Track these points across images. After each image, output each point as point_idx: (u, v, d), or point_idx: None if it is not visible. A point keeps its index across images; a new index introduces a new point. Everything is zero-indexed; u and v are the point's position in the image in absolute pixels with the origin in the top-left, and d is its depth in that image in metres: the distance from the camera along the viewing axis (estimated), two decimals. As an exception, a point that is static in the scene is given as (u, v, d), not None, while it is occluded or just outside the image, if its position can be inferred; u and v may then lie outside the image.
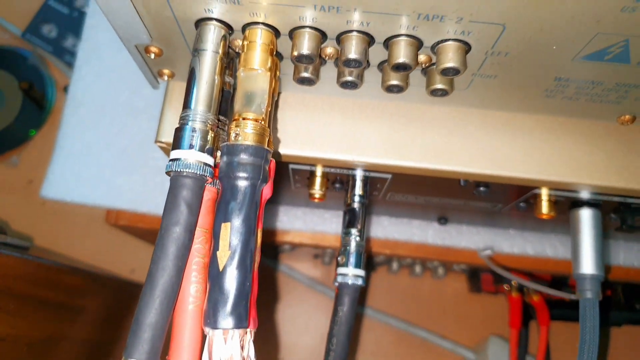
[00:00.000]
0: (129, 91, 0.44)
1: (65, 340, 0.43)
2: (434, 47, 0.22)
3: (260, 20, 0.21)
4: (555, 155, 0.27)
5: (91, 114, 0.44)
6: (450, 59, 0.21)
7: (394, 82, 0.23)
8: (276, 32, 0.22)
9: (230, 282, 0.19)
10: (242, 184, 0.20)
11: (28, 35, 0.65)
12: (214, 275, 0.19)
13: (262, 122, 0.21)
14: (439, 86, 0.23)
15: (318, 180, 0.32)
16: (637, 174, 0.27)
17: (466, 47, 0.22)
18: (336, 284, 0.31)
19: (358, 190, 0.32)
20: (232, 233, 0.19)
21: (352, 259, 0.31)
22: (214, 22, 0.22)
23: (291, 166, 0.30)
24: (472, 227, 0.43)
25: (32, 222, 0.59)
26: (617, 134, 0.27)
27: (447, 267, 0.55)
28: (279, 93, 0.27)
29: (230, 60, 0.23)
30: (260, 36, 0.22)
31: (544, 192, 0.31)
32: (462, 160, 0.27)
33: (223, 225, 0.19)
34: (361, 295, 0.59)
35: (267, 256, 0.57)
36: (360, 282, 0.31)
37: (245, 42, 0.22)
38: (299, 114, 0.27)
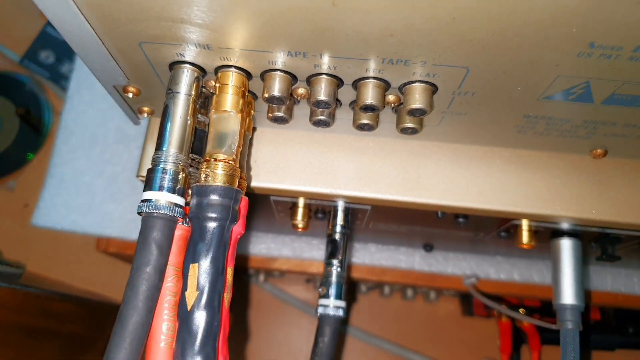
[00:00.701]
0: (119, 119, 0.45)
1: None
2: (401, 88, 0.22)
3: (231, 63, 0.22)
4: (529, 187, 0.28)
5: (82, 141, 0.44)
6: (416, 100, 0.22)
7: (365, 121, 0.24)
8: (248, 75, 0.22)
9: (198, 322, 0.19)
10: (211, 225, 0.20)
11: (26, 62, 0.66)
12: (182, 315, 0.20)
13: (233, 163, 0.21)
14: (409, 125, 0.24)
15: (300, 211, 0.32)
16: (610, 206, 0.27)
17: (433, 88, 0.22)
18: (317, 314, 0.31)
19: (339, 220, 0.33)
20: (200, 274, 0.20)
21: (333, 290, 0.31)
22: (187, 65, 0.22)
23: (272, 198, 0.31)
24: (459, 254, 0.43)
25: (26, 247, 0.60)
26: (590, 167, 0.28)
27: (438, 292, 0.55)
28: (255, 128, 0.28)
29: (205, 99, 0.24)
30: (231, 79, 0.22)
31: (524, 223, 0.31)
32: (437, 193, 0.27)
33: (191, 266, 0.20)
34: (353, 317, 0.59)
35: (258, 278, 0.57)
36: (341, 312, 0.31)
37: (217, 85, 0.22)
38: (276, 148, 0.27)
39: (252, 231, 0.43)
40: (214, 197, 0.21)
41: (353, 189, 0.27)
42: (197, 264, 0.20)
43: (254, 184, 0.27)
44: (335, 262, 0.32)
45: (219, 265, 0.20)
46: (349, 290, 0.59)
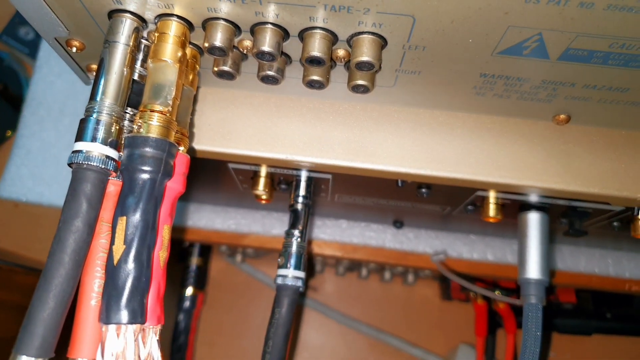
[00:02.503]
0: (89, 91, 0.44)
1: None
2: (349, 41, 0.21)
3: (171, 12, 0.21)
4: (491, 155, 0.27)
5: (51, 113, 0.43)
6: (364, 52, 0.21)
7: (314, 77, 0.23)
8: (189, 25, 0.22)
9: (124, 277, 0.18)
10: (142, 177, 0.19)
11: (5, 37, 0.65)
12: (109, 270, 0.19)
13: (168, 115, 0.20)
14: (359, 82, 0.23)
15: (262, 181, 0.31)
16: (574, 175, 0.27)
17: (381, 41, 0.21)
18: (275, 285, 0.30)
19: (301, 191, 0.32)
20: (127, 227, 0.19)
21: (293, 261, 0.30)
22: (127, 14, 0.21)
23: (231, 166, 0.30)
24: (431, 232, 0.42)
25: (2, 224, 0.59)
26: (553, 134, 0.27)
27: (416, 274, 0.54)
28: (199, 87, 0.27)
29: (147, 53, 0.23)
30: (171, 28, 0.21)
31: (491, 195, 0.31)
32: (394, 159, 0.26)
33: (120, 219, 0.19)
34: (332, 300, 0.59)
35: (235, 259, 0.57)
36: (299, 283, 0.30)
37: (157, 34, 0.21)
38: (225, 109, 0.26)
39: (220, 206, 0.42)
40: (145, 149, 0.20)
41: (303, 154, 0.26)
42: (125, 217, 0.19)
43: (203, 147, 0.26)
44: (296, 232, 0.31)
45: (149, 219, 0.19)
46: (325, 271, 0.58)
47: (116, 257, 0.19)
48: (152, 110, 0.20)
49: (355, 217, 0.41)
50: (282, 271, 0.30)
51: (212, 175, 0.34)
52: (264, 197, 0.32)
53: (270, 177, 0.31)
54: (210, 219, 0.42)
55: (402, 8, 0.19)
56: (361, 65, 0.21)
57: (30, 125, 0.43)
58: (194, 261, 0.47)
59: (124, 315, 0.18)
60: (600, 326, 0.52)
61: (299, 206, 0.32)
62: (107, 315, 0.18)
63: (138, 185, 0.19)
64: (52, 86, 0.44)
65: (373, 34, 0.21)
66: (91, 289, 0.20)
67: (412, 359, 0.57)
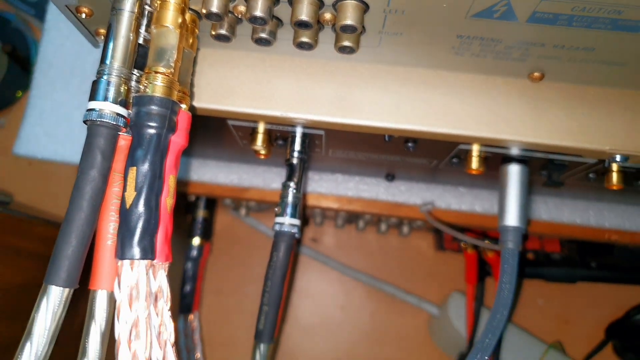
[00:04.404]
0: (98, 51, 0.46)
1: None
2: (334, 5, 0.23)
3: (171, -20, 0.23)
4: (472, 110, 0.29)
5: (61, 74, 0.45)
6: (347, 17, 0.23)
7: (303, 39, 0.25)
8: (188, -8, 0.23)
9: (136, 219, 0.21)
10: (148, 132, 0.22)
11: (11, -1, 0.66)
12: (122, 213, 0.21)
13: (171, 76, 0.23)
14: (345, 43, 0.25)
15: (260, 137, 0.34)
16: (548, 129, 0.29)
17: (364, 6, 0.23)
18: (273, 231, 0.33)
19: (297, 146, 0.34)
20: (138, 176, 0.21)
21: (289, 210, 0.33)
22: (130, -18, 0.23)
23: (230, 122, 0.32)
24: (422, 185, 0.45)
25: (16, 181, 0.62)
26: (529, 91, 0.29)
27: (411, 225, 0.57)
28: (199, 49, 0.29)
29: (150, 19, 0.25)
30: (171, -5, 0.23)
31: (474, 148, 0.33)
32: (380, 115, 0.28)
33: (130, 169, 0.22)
34: (332, 250, 0.62)
35: (239, 212, 0.60)
36: (295, 230, 0.33)
37: (159, 2, 0.23)
38: (222, 69, 0.29)
39: (223, 161, 0.45)
40: (151, 107, 0.22)
41: (295, 111, 0.28)
42: (135, 167, 0.22)
43: (202, 105, 0.28)
44: (291, 184, 0.34)
45: (156, 169, 0.22)
46: (325, 224, 0.61)
47: (128, 202, 0.21)
48: (156, 72, 0.23)
49: (350, 171, 0.44)
50: (279, 219, 0.33)
51: (214, 132, 0.36)
52: (262, 152, 0.35)
53: (268, 133, 0.34)
54: (214, 174, 0.44)
55: (381, -24, 0.21)
56: (345, 28, 0.23)
57: (42, 86, 0.45)
58: (200, 213, 0.50)
59: (136, 251, 0.21)
60: (585, 275, 0.55)
61: (295, 160, 0.34)
62: (122, 251, 0.21)
63: (146, 139, 0.22)
64: (61, 48, 0.46)
65: (355, -1, 0.23)
66: (107, 231, 0.23)
67: (407, 306, 0.61)
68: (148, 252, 0.21)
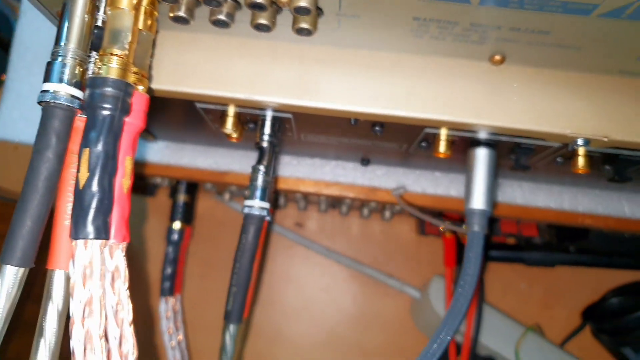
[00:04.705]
0: (74, 36, 0.46)
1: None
2: (289, -13, 0.23)
3: (126, -38, 0.23)
4: (434, 93, 0.29)
5: (38, 57, 0.45)
6: (300, -1, 0.23)
7: (260, 21, 0.25)
8: (144, -26, 0.24)
9: (89, 199, 0.22)
10: (102, 113, 0.22)
11: (-7, -19, 0.66)
12: (76, 193, 0.22)
13: (125, 58, 0.23)
14: (302, 25, 0.25)
15: (230, 120, 0.34)
16: (508, 113, 0.29)
17: (318, -12, 0.23)
18: (243, 214, 0.34)
19: (266, 129, 0.34)
20: (90, 157, 0.22)
21: (258, 193, 0.33)
22: (86, -37, 0.23)
23: (199, 105, 0.33)
24: (399, 169, 0.45)
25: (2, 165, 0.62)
26: (490, 74, 0.29)
27: (392, 210, 0.57)
28: (158, 31, 0.29)
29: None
30: (126, -23, 0.23)
31: (441, 132, 0.33)
32: (341, 98, 0.29)
33: (84, 150, 0.22)
34: (315, 234, 0.62)
35: (223, 197, 0.60)
36: (265, 213, 0.33)
37: (113, -17, 0.23)
38: (176, 51, 0.29)
39: (201, 146, 0.45)
40: (104, 89, 0.22)
41: (251, 93, 0.29)
42: (88, 149, 0.22)
43: (159, 86, 0.28)
44: (261, 167, 0.34)
45: (109, 150, 0.22)
46: (308, 209, 0.62)
47: (81, 182, 0.22)
48: (111, 54, 0.23)
49: (328, 155, 0.44)
50: (248, 202, 0.33)
51: (187, 116, 0.36)
52: (233, 135, 0.35)
53: (238, 116, 0.34)
54: (192, 158, 0.45)
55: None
56: (299, 10, 0.23)
57: (18, 70, 0.45)
58: (181, 197, 0.50)
59: (89, 231, 0.21)
60: (564, 259, 0.55)
61: (264, 144, 0.34)
62: (75, 231, 0.21)
63: (99, 121, 0.22)
64: (37, 31, 0.46)
65: (309, -19, 0.23)
66: (64, 211, 0.23)
67: (390, 289, 0.61)
68: (101, 232, 0.22)
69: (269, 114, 0.34)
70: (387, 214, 0.58)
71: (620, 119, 0.29)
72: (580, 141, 0.30)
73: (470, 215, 0.33)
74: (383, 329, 0.62)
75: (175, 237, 0.50)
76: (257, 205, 0.33)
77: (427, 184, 0.45)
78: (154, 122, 0.40)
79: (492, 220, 0.52)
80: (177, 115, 0.36)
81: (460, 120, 0.29)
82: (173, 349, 0.49)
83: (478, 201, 0.33)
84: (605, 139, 0.29)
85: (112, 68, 0.23)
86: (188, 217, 0.51)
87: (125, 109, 0.23)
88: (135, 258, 0.60)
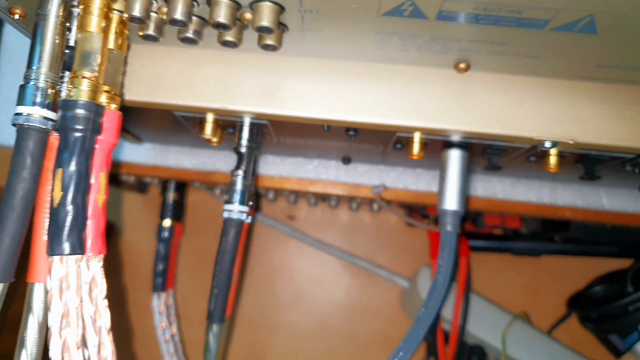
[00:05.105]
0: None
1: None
2: (252, 6, 0.24)
3: (92, -15, 0.24)
4: (402, 100, 0.30)
5: (25, 62, 0.46)
6: (262, 18, 0.24)
7: (227, 38, 0.26)
8: (111, -4, 0.24)
9: (63, 217, 0.23)
10: (73, 135, 0.23)
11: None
12: (51, 212, 0.23)
13: (95, 80, 0.24)
14: (268, 42, 0.26)
15: (209, 126, 0.35)
16: (476, 118, 0.30)
17: (279, 7, 0.24)
18: (223, 217, 0.35)
19: (244, 134, 0.35)
20: (64, 177, 0.23)
21: (237, 197, 0.35)
22: (54, -13, 0.24)
23: (177, 114, 0.33)
24: (381, 166, 0.46)
25: None
26: (457, 81, 0.30)
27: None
28: (129, 48, 0.29)
29: (79, 21, 0.26)
30: (93, 1, 0.24)
31: (415, 135, 0.34)
32: (310, 106, 0.29)
33: (57, 170, 0.23)
34: (306, 227, 0.64)
35: (214, 192, 0.61)
36: (244, 217, 0.34)
37: (81, 7, 0.24)
38: (147, 64, 0.29)
39: (186, 147, 0.46)
40: (75, 111, 0.23)
41: (224, 103, 0.29)
42: (61, 169, 0.23)
43: (131, 97, 0.29)
44: (240, 172, 0.35)
45: (82, 170, 0.23)
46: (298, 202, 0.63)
47: (56, 201, 0.23)
48: (82, 77, 0.24)
49: (310, 154, 0.45)
50: (228, 206, 0.34)
51: (168, 122, 0.37)
52: (213, 140, 0.36)
53: (216, 122, 0.35)
54: (178, 158, 0.46)
55: (285, -19, 0.22)
56: (261, 29, 0.24)
57: (7, 74, 0.46)
58: (171, 196, 0.52)
59: (65, 247, 0.23)
60: (549, 248, 0.56)
61: (242, 149, 0.35)
62: (51, 248, 0.23)
63: (70, 142, 0.23)
64: (23, 36, 0.46)
65: (271, 1, 0.23)
66: (42, 227, 0.24)
67: (380, 279, 0.63)
68: (76, 248, 0.23)
69: (246, 120, 0.34)
70: (376, 206, 0.59)
71: (585, 122, 0.30)
72: (547, 144, 0.31)
73: (443, 215, 0.34)
74: (374, 318, 0.63)
75: (165, 234, 0.51)
76: (236, 209, 0.34)
77: (409, 181, 0.46)
78: (137, 126, 0.41)
79: (476, 214, 0.53)
80: (159, 121, 0.37)
81: (427, 125, 0.30)
82: (166, 342, 0.51)
83: (451, 202, 0.34)
84: (571, 142, 0.30)
85: (82, 90, 0.24)
86: (178, 214, 0.52)
87: (97, 129, 0.24)
88: (130, 254, 0.62)
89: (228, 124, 0.35)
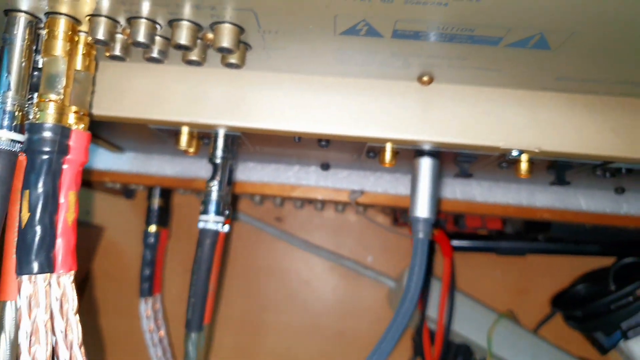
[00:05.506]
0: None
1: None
2: (212, 27, 0.25)
3: (57, 10, 0.24)
4: (368, 112, 0.30)
5: None
6: (222, 40, 0.24)
7: (191, 57, 0.26)
8: (76, 20, 0.25)
9: (30, 237, 0.23)
10: (40, 157, 0.24)
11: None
12: (19, 232, 0.24)
13: (60, 102, 0.24)
14: (230, 60, 0.26)
15: (184, 138, 0.35)
16: (442, 129, 0.30)
17: (239, 29, 0.24)
18: (198, 228, 0.35)
19: (219, 145, 0.36)
20: (31, 198, 0.23)
21: (212, 207, 0.35)
22: (21, 12, 0.24)
23: (151, 126, 0.34)
24: (360, 172, 0.46)
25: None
26: (421, 93, 0.30)
27: (364, 206, 0.59)
28: (97, 68, 0.30)
29: (47, 43, 0.26)
30: (58, 25, 0.25)
31: (387, 145, 0.34)
32: (277, 119, 0.30)
33: (25, 192, 0.24)
34: (294, 228, 0.64)
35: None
36: (219, 227, 0.35)
37: (47, 30, 0.25)
38: (116, 81, 0.30)
39: (167, 155, 0.47)
40: (42, 134, 0.24)
41: (194, 117, 0.30)
42: (28, 190, 0.24)
43: (99, 112, 0.30)
44: (215, 182, 0.36)
45: (49, 191, 0.24)
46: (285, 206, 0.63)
47: (23, 222, 0.24)
48: (48, 100, 0.24)
49: (290, 161, 0.46)
50: (203, 217, 0.35)
51: (147, 134, 0.38)
52: (189, 150, 0.37)
53: (191, 133, 0.35)
54: (160, 166, 0.46)
55: (241, 5, 0.22)
56: (221, 50, 0.24)
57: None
58: (156, 202, 0.52)
59: (33, 267, 0.23)
60: (533, 247, 0.57)
61: (217, 160, 0.36)
62: (19, 268, 0.23)
63: (37, 164, 0.24)
64: None
65: (230, 23, 0.24)
66: (12, 246, 0.25)
67: (367, 279, 0.63)
68: (45, 267, 0.24)
69: (220, 132, 0.35)
70: (361, 207, 0.60)
71: (550, 131, 0.30)
72: (514, 152, 0.31)
73: (415, 222, 0.35)
74: (363, 317, 0.64)
75: (151, 240, 0.52)
76: (212, 219, 0.35)
77: (389, 185, 0.46)
78: (117, 137, 0.42)
79: (457, 216, 0.54)
80: (137, 132, 0.38)
81: (394, 137, 0.30)
82: (154, 346, 0.52)
83: (422, 209, 0.35)
84: (537, 150, 0.31)
85: (48, 114, 0.24)
86: (163, 220, 0.53)
87: (63, 150, 0.24)
88: (118, 258, 0.62)
89: (204, 135, 0.36)
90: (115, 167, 0.47)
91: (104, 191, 0.60)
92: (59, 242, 0.25)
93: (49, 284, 0.24)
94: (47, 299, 0.24)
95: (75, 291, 0.26)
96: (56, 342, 0.24)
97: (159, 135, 0.36)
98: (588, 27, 0.22)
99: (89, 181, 0.49)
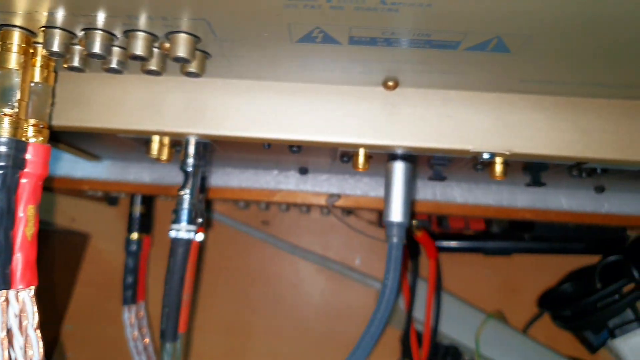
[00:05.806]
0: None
1: None
2: (168, 37, 0.24)
3: (10, 22, 0.24)
4: (333, 118, 0.30)
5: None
6: (178, 49, 0.24)
7: (150, 67, 0.26)
8: (30, 32, 0.24)
9: (-14, 254, 0.23)
10: (-6, 172, 0.23)
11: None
12: (-25, 249, 0.23)
13: (15, 116, 0.24)
14: (190, 69, 0.26)
15: (155, 146, 0.35)
16: (410, 133, 0.30)
17: (194, 38, 0.24)
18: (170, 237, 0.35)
19: (190, 152, 0.35)
20: (-15, 214, 0.23)
21: (184, 216, 0.35)
22: (-27, 25, 0.24)
23: (120, 135, 0.34)
24: (340, 176, 0.46)
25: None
26: (387, 98, 0.30)
27: (348, 209, 0.58)
28: (57, 80, 0.29)
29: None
30: (12, 37, 0.24)
31: (360, 150, 0.34)
32: (244, 126, 0.30)
33: (-21, 208, 0.23)
34: (281, 231, 0.64)
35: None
36: (192, 235, 0.35)
37: (0, 43, 0.24)
38: (75, 91, 0.30)
39: (146, 163, 0.46)
40: (-4, 148, 0.23)
41: (152, 125, 0.30)
42: (-18, 206, 0.23)
43: (58, 122, 0.29)
44: (186, 191, 0.35)
45: (3, 206, 0.23)
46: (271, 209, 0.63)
47: (-21, 239, 0.23)
48: (2, 114, 0.24)
49: (268, 166, 0.45)
50: (175, 226, 0.35)
51: (119, 142, 0.37)
52: (162, 158, 0.36)
53: (162, 142, 0.35)
54: (138, 174, 0.46)
55: (193, 15, 0.22)
56: (178, 60, 0.24)
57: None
58: (137, 209, 0.52)
59: (-11, 284, 0.23)
60: (519, 247, 0.57)
61: (188, 168, 0.35)
62: (-24, 285, 0.23)
63: (-9, 179, 0.23)
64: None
65: (185, 32, 0.24)
66: (-29, 262, 0.25)
67: (354, 282, 0.63)
68: (0, 284, 0.23)
69: (191, 139, 0.35)
70: (338, 211, 0.60)
71: (520, 133, 0.30)
72: (486, 155, 0.31)
73: (389, 227, 0.35)
74: (351, 320, 0.64)
75: (133, 247, 0.51)
76: (184, 228, 0.35)
77: (367, 187, 0.46)
78: (92, 146, 0.41)
79: (440, 217, 0.54)
80: (110, 141, 0.37)
81: (361, 142, 0.30)
82: (139, 354, 0.51)
83: (396, 214, 0.34)
84: (508, 153, 0.30)
85: (2, 128, 0.24)
86: (145, 227, 0.53)
87: (19, 165, 0.24)
88: (101, 265, 0.62)
89: (175, 143, 0.36)
90: (94, 175, 0.46)
91: (87, 199, 0.60)
92: (17, 257, 0.24)
93: (6, 300, 0.24)
94: (4, 315, 0.24)
95: (35, 306, 0.25)
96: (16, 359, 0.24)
97: (131, 144, 0.36)
98: (544, 30, 0.21)
99: (72, 189, 0.49)
